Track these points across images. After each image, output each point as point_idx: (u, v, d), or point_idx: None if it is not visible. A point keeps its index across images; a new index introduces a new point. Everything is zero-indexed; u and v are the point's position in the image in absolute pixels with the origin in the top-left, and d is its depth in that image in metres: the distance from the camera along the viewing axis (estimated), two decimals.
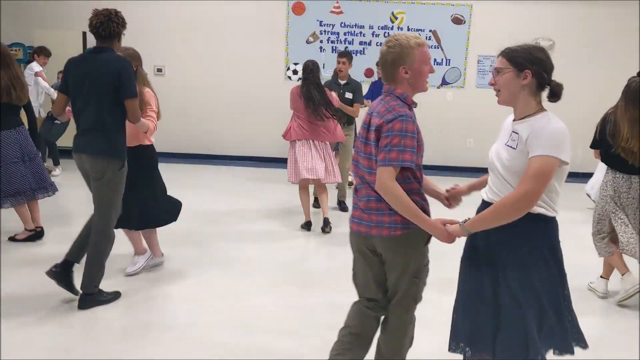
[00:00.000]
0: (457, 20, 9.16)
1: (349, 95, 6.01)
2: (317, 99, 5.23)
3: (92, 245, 3.52)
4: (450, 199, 2.48)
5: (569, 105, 9.02)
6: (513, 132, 2.10)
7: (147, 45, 7.60)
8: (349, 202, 6.27)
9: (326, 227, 5.42)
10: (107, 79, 3.31)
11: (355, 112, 6.11)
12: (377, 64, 7.58)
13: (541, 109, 2.09)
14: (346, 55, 6.12)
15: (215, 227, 5.46)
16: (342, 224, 5.64)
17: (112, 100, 3.35)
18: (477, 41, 9.15)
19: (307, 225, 5.46)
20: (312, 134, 5.36)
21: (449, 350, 2.34)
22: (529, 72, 2.05)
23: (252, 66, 9.25)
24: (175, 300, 3.75)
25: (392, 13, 9.13)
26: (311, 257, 4.87)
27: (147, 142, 3.97)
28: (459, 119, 9.35)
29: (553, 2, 8.95)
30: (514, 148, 2.06)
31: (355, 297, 2.54)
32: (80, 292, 3.54)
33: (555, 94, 2.10)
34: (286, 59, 9.29)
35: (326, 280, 4.17)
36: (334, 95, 5.52)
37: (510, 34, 9.06)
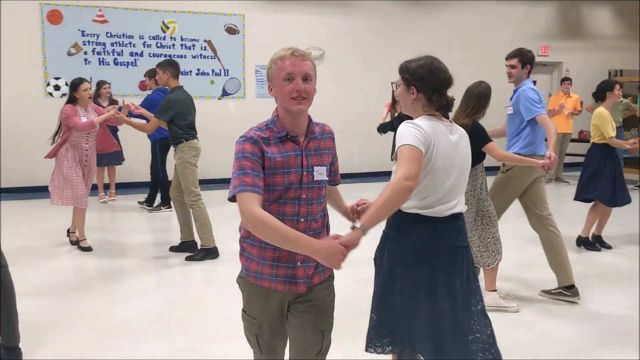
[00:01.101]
0: (231, 30, 9.41)
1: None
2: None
3: (7, 291, 3.00)
4: (361, 212, 2.17)
5: (341, 110, 10.00)
6: None
7: None
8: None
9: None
10: None
11: (144, 127, 5.19)
12: (145, 75, 7.33)
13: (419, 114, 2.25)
14: (156, 66, 5.31)
15: None
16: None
17: None
18: (252, 51, 9.52)
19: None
20: None
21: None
22: (414, 88, 2.23)
23: (3, 83, 8.24)
24: None
25: (163, 22, 8.99)
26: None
27: None
28: (244, 129, 9.44)
29: (321, 13, 9.76)
30: None
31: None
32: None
33: (442, 108, 2.26)
34: (45, 73, 8.49)
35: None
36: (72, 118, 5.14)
37: (283, 44, 9.71)
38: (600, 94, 5.52)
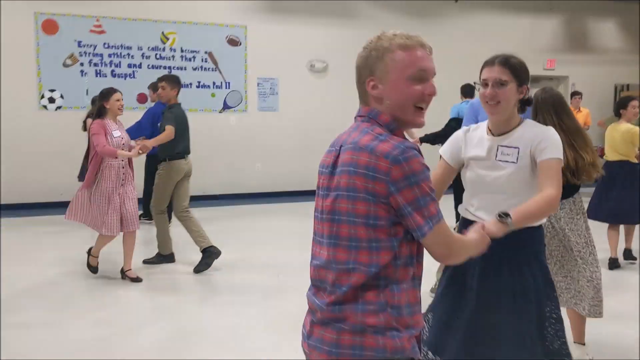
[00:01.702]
0: (233, 42, 9.21)
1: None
2: None
3: None
4: None
5: (346, 123, 9.75)
6: (505, 147, 2.12)
7: None
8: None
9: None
10: None
11: (167, 136, 5.11)
12: (149, 87, 7.11)
13: (520, 119, 2.18)
14: (163, 79, 5.36)
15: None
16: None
17: None
18: (254, 63, 9.31)
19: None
20: None
21: None
22: (526, 87, 2.12)
23: None
24: None
25: (163, 33, 8.79)
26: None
27: None
28: (245, 143, 9.37)
29: (325, 25, 9.58)
30: (514, 162, 2.09)
31: None
32: None
33: (527, 105, 2.20)
34: (39, 85, 8.26)
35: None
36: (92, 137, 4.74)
37: (286, 56, 9.54)
38: (616, 111, 5.40)
